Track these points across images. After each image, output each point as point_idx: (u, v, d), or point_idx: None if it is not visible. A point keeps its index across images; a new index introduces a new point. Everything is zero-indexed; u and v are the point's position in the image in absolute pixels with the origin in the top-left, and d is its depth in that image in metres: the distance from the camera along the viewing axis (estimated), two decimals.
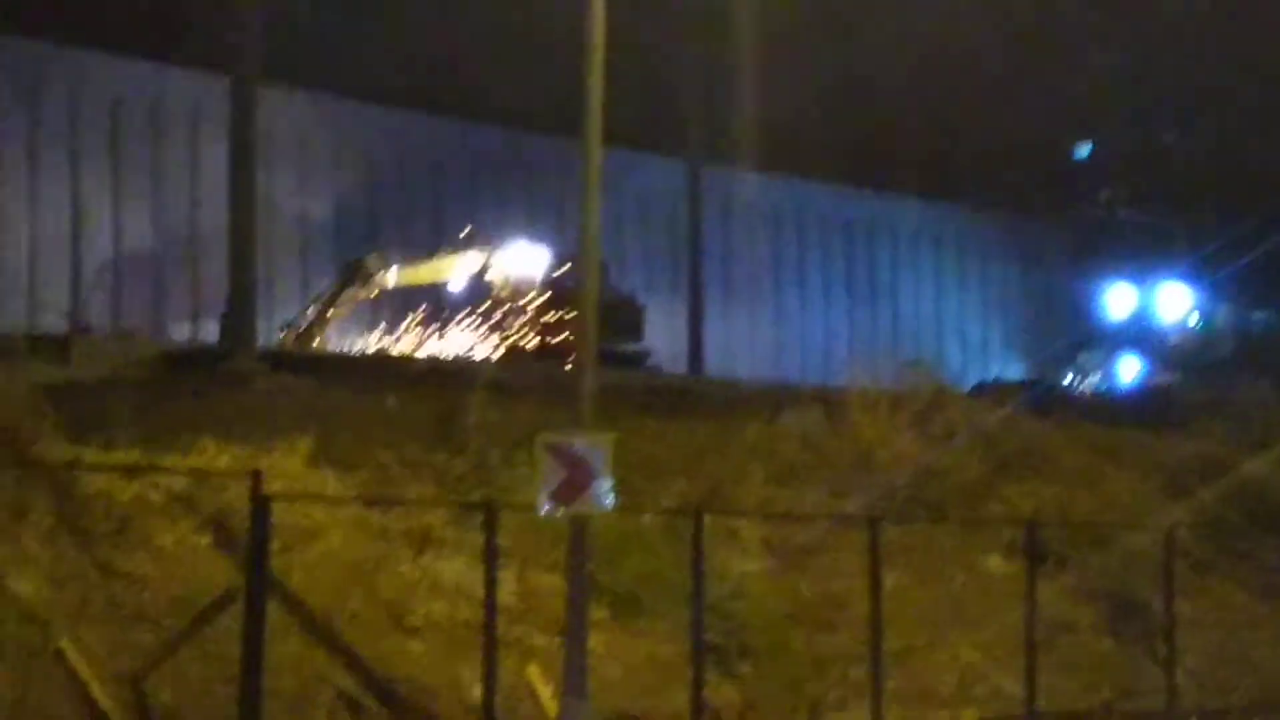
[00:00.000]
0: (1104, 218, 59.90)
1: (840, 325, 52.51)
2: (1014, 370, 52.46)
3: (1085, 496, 32.03)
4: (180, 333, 40.07)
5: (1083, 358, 54.24)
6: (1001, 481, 31.19)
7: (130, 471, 21.39)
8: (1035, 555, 26.97)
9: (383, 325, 39.69)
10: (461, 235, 40.36)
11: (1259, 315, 57.61)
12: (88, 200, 41.12)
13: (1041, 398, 40.38)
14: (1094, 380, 51.87)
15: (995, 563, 28.76)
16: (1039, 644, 25.90)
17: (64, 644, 19.19)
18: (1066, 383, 50.25)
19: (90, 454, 21.57)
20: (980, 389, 42.69)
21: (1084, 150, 61.00)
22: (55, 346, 29.97)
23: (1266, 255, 51.41)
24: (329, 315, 39.94)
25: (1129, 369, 53.07)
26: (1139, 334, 55.34)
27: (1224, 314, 56.57)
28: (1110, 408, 43.71)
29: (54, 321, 36.72)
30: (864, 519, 25.97)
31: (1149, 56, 56.53)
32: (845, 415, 31.02)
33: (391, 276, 40.18)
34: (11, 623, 18.84)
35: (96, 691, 18.94)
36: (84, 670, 19.06)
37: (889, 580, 25.16)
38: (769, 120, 43.19)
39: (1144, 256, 57.20)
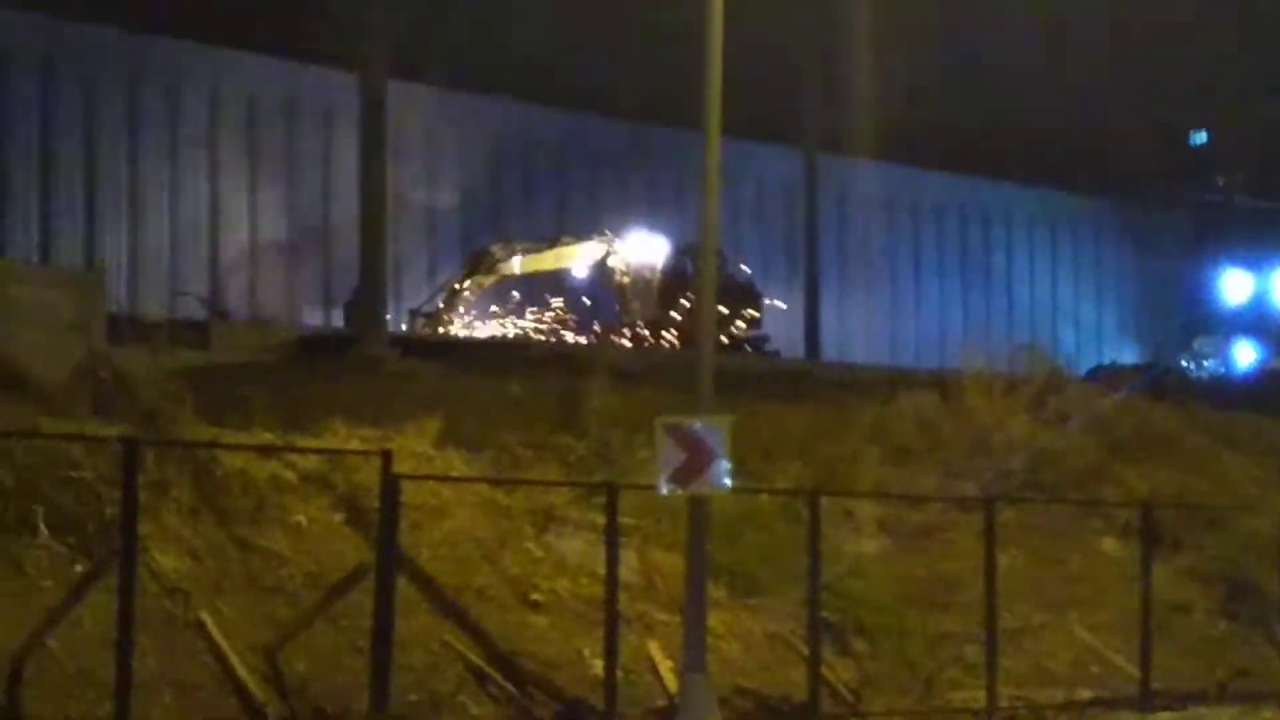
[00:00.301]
0: (1220, 203, 59.42)
1: (954, 310, 52.24)
2: (1129, 355, 52.08)
3: (1200, 480, 31.75)
4: (313, 318, 40.45)
5: (1198, 343, 53.88)
6: (1116, 464, 30.94)
7: (266, 451, 21.58)
8: (1150, 537, 26.73)
9: (509, 311, 39.88)
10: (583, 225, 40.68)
11: None
12: (225, 192, 41.53)
13: (1157, 382, 40.14)
14: (1209, 365, 51.53)
15: (1110, 545, 28.61)
16: (1154, 625, 25.69)
17: (203, 616, 19.43)
18: (1182, 367, 49.92)
19: (228, 435, 21.74)
20: (1095, 373, 42.43)
21: (1200, 136, 60.53)
22: (194, 332, 30.37)
23: None
24: (456, 301, 40.21)
25: (1245, 354, 52.70)
26: (1255, 319, 54.94)
27: None
28: (1226, 392, 43.34)
29: (193, 308, 37.14)
30: (979, 500, 26.06)
31: (1265, 42, 56.01)
32: (960, 398, 30.86)
33: (516, 264, 40.35)
34: (154, 595, 19.06)
35: (234, 661, 19.14)
36: (222, 641, 19.27)
37: (1004, 561, 25.11)
38: (883, 109, 43.08)
39: (1260, 242, 56.75)
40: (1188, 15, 52.22)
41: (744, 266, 41.40)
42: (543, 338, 38.36)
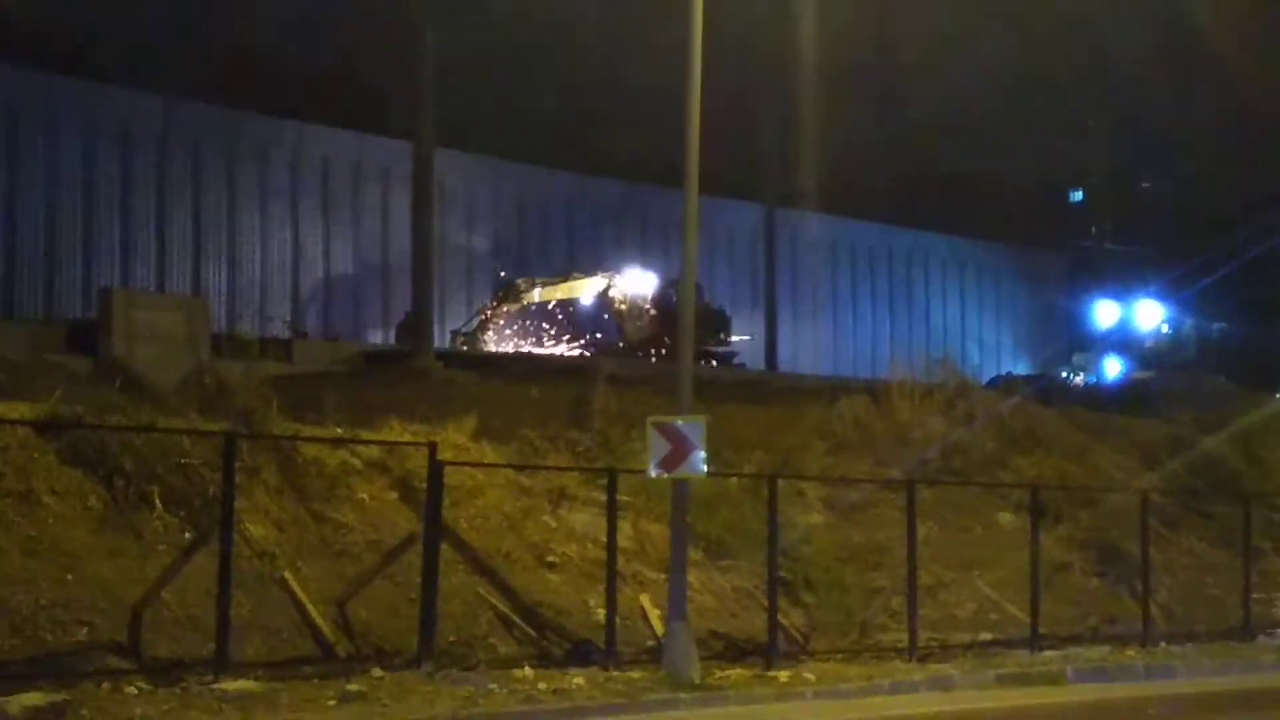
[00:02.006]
0: (1093, 247, 59.55)
1: (883, 331, 52.24)
2: (1021, 367, 52.06)
3: (1077, 467, 31.58)
4: (374, 337, 40.42)
5: (1076, 358, 53.92)
6: (1011, 454, 30.74)
7: (336, 443, 21.51)
8: (1038, 512, 26.58)
9: (530, 332, 39.84)
10: (589, 263, 40.65)
11: (1217, 325, 57.11)
12: (304, 237, 41.53)
13: (1043, 389, 40.03)
14: (1085, 376, 51.53)
15: (1006, 518, 28.43)
16: (1041, 582, 25.57)
17: (286, 574, 19.40)
18: (1063, 377, 49.89)
19: (306, 429, 21.65)
20: (995, 382, 42.39)
21: (1078, 194, 60.68)
22: (280, 348, 30.30)
23: (1223, 279, 51.04)
24: (488, 324, 40.18)
25: (1113, 367, 52.71)
26: (1121, 340, 54.97)
27: (1189, 324, 56.11)
28: (1098, 397, 43.35)
29: (279, 329, 37.08)
30: (902, 483, 25.91)
31: (1130, 119, 56.19)
32: (888, 402, 30.67)
33: (536, 294, 40.34)
34: (246, 558, 19.02)
35: (310, 610, 19.13)
36: (301, 594, 19.26)
37: (922, 531, 24.89)
38: (828, 172, 43.10)
39: (1124, 278, 56.84)
40: (1071, 97, 52.47)
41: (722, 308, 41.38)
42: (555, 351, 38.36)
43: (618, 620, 20.87)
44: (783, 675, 20.79)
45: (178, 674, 17.26)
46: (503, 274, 42.36)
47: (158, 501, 19.25)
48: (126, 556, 18.48)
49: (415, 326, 32.97)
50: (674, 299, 35.73)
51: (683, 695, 18.98)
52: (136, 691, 16.61)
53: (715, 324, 39.45)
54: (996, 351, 54.90)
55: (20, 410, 19.22)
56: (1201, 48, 47.65)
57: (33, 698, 15.31)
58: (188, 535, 18.99)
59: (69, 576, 17.76)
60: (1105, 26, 49.80)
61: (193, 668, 17.45)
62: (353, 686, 17.55)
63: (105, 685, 16.60)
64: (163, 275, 38.59)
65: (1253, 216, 52.01)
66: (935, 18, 45.22)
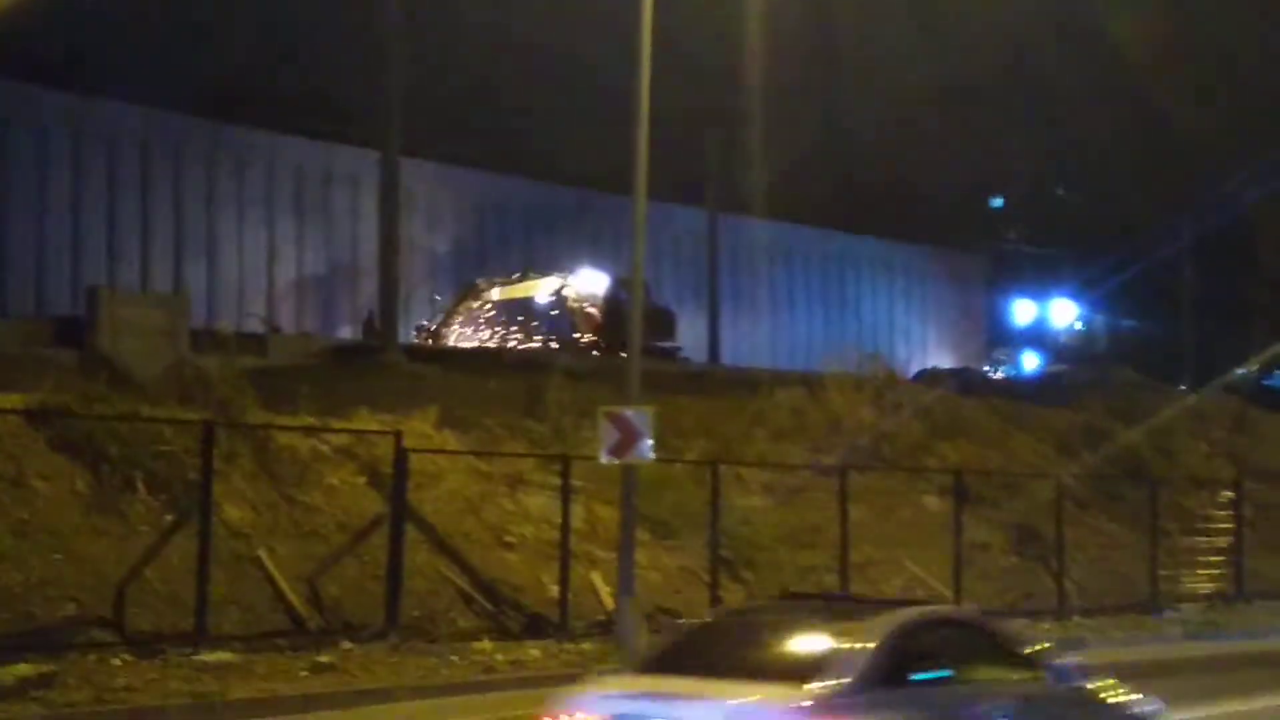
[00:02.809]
0: (1012, 250, 59.77)
1: (818, 327, 52.25)
2: (945, 361, 52.21)
3: (997, 454, 31.74)
4: (344, 333, 40.27)
5: (996, 352, 54.12)
6: (936, 442, 30.83)
7: (308, 431, 21.50)
8: (961, 496, 26.84)
9: (489, 328, 39.75)
10: (543, 264, 40.61)
11: (1126, 322, 57.47)
12: (279, 239, 41.25)
13: (966, 381, 40.13)
14: (1004, 369, 51.70)
15: (931, 501, 28.51)
16: (963, 560, 25.85)
17: (261, 553, 19.40)
18: (984, 371, 50.05)
19: (280, 419, 21.63)
20: (921, 375, 42.49)
21: (998, 200, 60.92)
22: (256, 343, 30.13)
23: (1131, 279, 51.45)
24: (450, 321, 40.06)
25: (1030, 361, 52.90)
26: (1037, 335, 55.20)
27: (1100, 321, 56.44)
28: (1016, 388, 43.35)
29: (255, 324, 36.92)
30: (836, 468, 26.02)
31: (1046, 130, 56.50)
32: (822, 393, 30.75)
33: (495, 293, 40.20)
34: (224, 538, 18.99)
35: (284, 587, 19.14)
36: (275, 572, 19.26)
37: (854, 513, 25.09)
38: (768, 179, 43.15)
39: (1041, 278, 57.06)
40: (994, 110, 52.85)
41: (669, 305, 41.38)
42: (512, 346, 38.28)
43: (570, 596, 21.01)
44: None
45: (159, 646, 17.25)
46: (469, 277, 42.23)
47: (141, 486, 19.21)
48: (111, 537, 18.44)
49: (383, 323, 32.88)
50: (624, 298, 35.77)
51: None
52: (120, 663, 16.62)
53: (662, 321, 39.44)
54: (923, 346, 55.06)
55: (12, 400, 19.16)
56: (1113, 64, 47.99)
57: (23, 669, 15.29)
58: (169, 517, 18.94)
59: (57, 556, 17.73)
60: (1024, 44, 50.16)
61: (173, 640, 17.44)
62: (323, 658, 17.57)
63: (91, 657, 16.60)
64: (146, 274, 38.33)
65: (1158, 221, 52.44)
66: (867, 37, 45.50)
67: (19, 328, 27.94)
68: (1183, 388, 43.78)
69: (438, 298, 41.75)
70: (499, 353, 35.84)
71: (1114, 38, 45.83)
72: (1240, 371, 47.05)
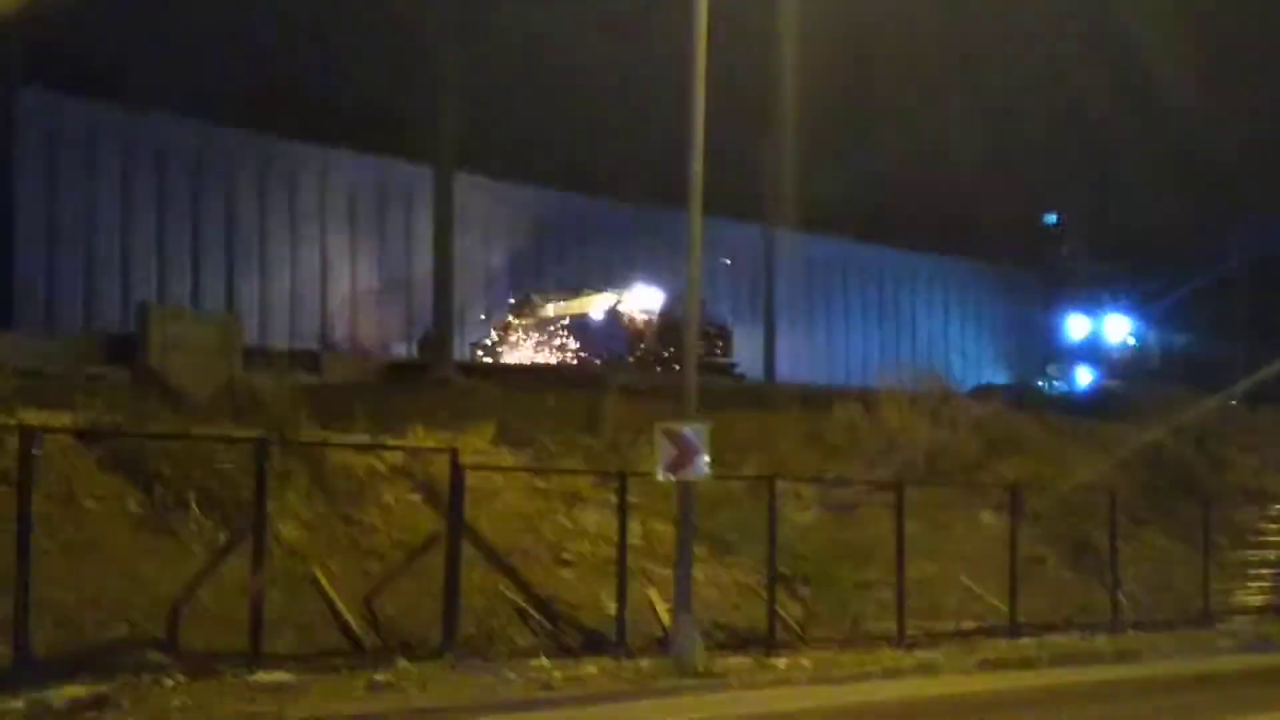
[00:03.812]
0: (1065, 265, 59.52)
1: (874, 343, 52.09)
2: (1000, 376, 51.89)
3: (1052, 468, 31.53)
4: (399, 349, 40.15)
5: (1050, 368, 53.91)
6: (991, 457, 30.77)
7: (363, 448, 21.34)
8: (1016, 510, 26.70)
9: (545, 344, 39.61)
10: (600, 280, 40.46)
11: (1179, 338, 57.28)
12: (332, 255, 41.25)
13: (1020, 396, 39.95)
14: (1058, 384, 51.47)
15: (987, 516, 28.35)
16: (1019, 575, 25.66)
17: (316, 572, 19.23)
18: (1038, 386, 49.80)
19: (335, 436, 21.48)
20: (976, 390, 42.19)
21: (1051, 217, 60.65)
22: (309, 360, 30.03)
23: (1184, 295, 51.27)
24: (505, 337, 39.93)
25: (1084, 376, 52.70)
26: (1091, 350, 55.07)
27: (1153, 337, 56.23)
28: (1070, 404, 43.26)
29: (308, 342, 36.86)
30: (891, 484, 25.81)
31: (1100, 150, 56.31)
32: (877, 409, 30.58)
33: (550, 309, 40.11)
34: (279, 557, 18.86)
35: (340, 606, 18.96)
36: (331, 591, 19.09)
37: (910, 528, 24.82)
38: (824, 196, 42.88)
39: (1094, 294, 56.91)
40: (1043, 134, 52.71)
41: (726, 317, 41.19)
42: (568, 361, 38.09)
43: (627, 613, 20.83)
44: (781, 663, 20.79)
45: (214, 666, 17.07)
46: (524, 292, 42.13)
47: (194, 505, 19.08)
48: (164, 557, 18.30)
49: (437, 339, 32.68)
50: (679, 313, 35.51)
51: (688, 682, 18.96)
52: (174, 684, 16.45)
53: (718, 337, 39.26)
54: (977, 362, 54.70)
55: (62, 419, 19.03)
56: (1160, 89, 47.76)
57: (75, 690, 15.14)
58: (222, 536, 18.79)
59: (109, 576, 17.63)
60: (1077, 68, 50.24)
61: (228, 660, 17.26)
62: (380, 677, 17.42)
63: (144, 678, 16.42)
64: (197, 291, 38.31)
65: (1213, 238, 52.23)
66: (924, 59, 45.63)
67: (69, 346, 27.80)
68: (1234, 403, 43.30)
69: (483, 317, 41.64)
70: (555, 369, 35.71)
71: (1160, 67, 45.55)
72: None
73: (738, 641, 21.76)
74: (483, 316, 41.98)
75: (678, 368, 30.67)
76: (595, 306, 40.09)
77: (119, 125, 37.16)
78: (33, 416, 18.43)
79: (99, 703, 14.99)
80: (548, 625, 20.57)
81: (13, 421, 17.80)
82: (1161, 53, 44.62)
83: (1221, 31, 46.83)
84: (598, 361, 37.90)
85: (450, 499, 19.90)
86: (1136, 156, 55.71)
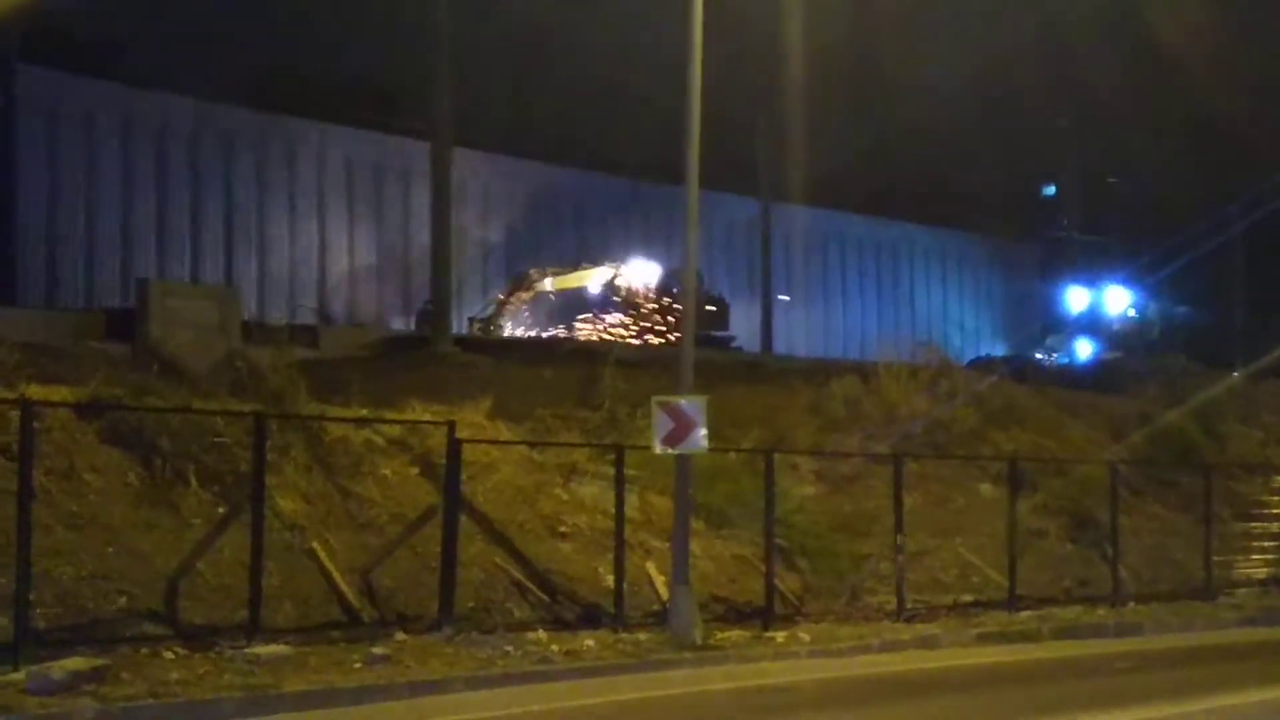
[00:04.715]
0: (1064, 238, 59.52)
1: (871, 316, 52.14)
2: (999, 349, 51.94)
3: (1051, 440, 31.48)
4: (396, 324, 40.20)
5: (1049, 340, 53.92)
6: (990, 430, 30.57)
7: (361, 422, 21.31)
8: (1015, 483, 26.57)
9: (542, 318, 39.68)
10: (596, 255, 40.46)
11: (1179, 309, 57.27)
12: (330, 230, 41.33)
13: (1019, 369, 39.88)
14: (1058, 356, 51.44)
15: (986, 489, 28.24)
16: (1018, 548, 25.53)
17: (314, 545, 19.21)
18: (1037, 358, 49.77)
19: (332, 410, 21.45)
20: (975, 363, 42.21)
21: (1049, 189, 60.64)
22: (307, 334, 30.04)
23: (1182, 267, 51.19)
24: (503, 311, 39.99)
25: (1083, 348, 52.67)
26: (1090, 323, 55.03)
27: (1153, 308, 56.18)
28: (1070, 376, 43.27)
29: (306, 316, 36.89)
30: (889, 456, 25.72)
31: (1097, 120, 56.19)
32: (876, 382, 30.41)
33: (547, 283, 40.17)
34: (277, 530, 18.82)
35: (338, 579, 18.95)
36: (329, 564, 19.07)
37: (908, 501, 24.77)
38: (819, 168, 42.88)
39: (1094, 266, 56.87)
40: (1040, 105, 52.61)
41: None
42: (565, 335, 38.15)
43: (625, 586, 20.77)
44: (779, 636, 20.76)
45: (212, 639, 17.11)
46: (522, 267, 42.15)
47: (193, 478, 19.05)
48: (163, 530, 18.29)
49: (434, 314, 32.72)
50: (677, 286, 35.54)
51: (686, 655, 18.98)
52: (173, 656, 16.49)
53: (715, 310, 39.29)
54: (976, 335, 54.80)
55: (62, 393, 19.04)
56: (1163, 58, 47.65)
57: (75, 662, 15.16)
58: (221, 510, 18.80)
59: (109, 549, 17.59)
60: (1075, 37, 50.07)
61: (226, 633, 17.30)
62: (377, 649, 17.43)
63: (143, 650, 16.47)
64: (196, 266, 38.38)
65: (1210, 211, 52.17)
66: (920, 30, 45.55)
67: (69, 320, 27.93)
68: (1235, 374, 43.31)
69: (489, 293, 41.69)
70: (552, 342, 35.73)
71: (1163, 33, 45.45)
72: None
73: (735, 615, 21.73)
74: (481, 291, 42.03)
75: (674, 337, 30.77)
76: (592, 280, 40.17)
77: (118, 103, 37.19)
78: (34, 391, 18.46)
79: (99, 675, 15.02)
80: (545, 598, 20.54)
81: (14, 395, 17.84)
82: (1162, 20, 44.56)
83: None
84: (595, 335, 37.98)
85: (447, 472, 19.87)
86: (1136, 126, 55.69)
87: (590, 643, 19.12)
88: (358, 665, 16.81)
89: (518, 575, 20.58)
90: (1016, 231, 57.54)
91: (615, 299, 39.62)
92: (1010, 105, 52.21)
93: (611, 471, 21.70)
